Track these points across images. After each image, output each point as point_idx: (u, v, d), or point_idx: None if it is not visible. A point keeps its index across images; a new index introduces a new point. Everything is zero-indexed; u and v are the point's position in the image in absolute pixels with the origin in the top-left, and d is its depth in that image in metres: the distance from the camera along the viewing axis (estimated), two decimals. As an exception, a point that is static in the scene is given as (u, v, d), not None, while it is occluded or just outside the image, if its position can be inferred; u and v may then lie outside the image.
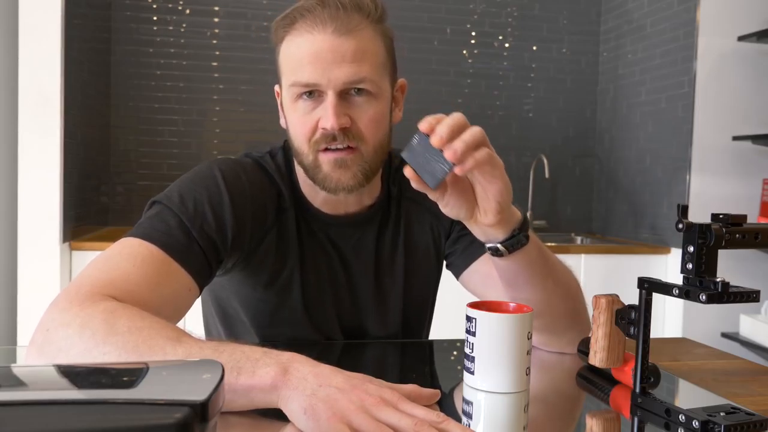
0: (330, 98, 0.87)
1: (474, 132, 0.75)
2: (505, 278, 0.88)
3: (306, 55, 0.87)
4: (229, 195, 0.91)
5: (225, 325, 1.06)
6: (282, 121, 0.98)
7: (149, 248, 0.83)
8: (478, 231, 0.83)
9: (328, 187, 0.92)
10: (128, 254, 0.82)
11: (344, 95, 0.89)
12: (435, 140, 0.73)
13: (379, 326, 1.04)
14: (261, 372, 0.64)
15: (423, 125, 0.74)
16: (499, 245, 0.82)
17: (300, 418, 0.62)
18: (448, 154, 0.72)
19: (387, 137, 0.96)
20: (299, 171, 0.99)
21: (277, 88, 0.99)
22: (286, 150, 1.01)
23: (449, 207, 0.80)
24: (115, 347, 0.67)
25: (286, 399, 0.63)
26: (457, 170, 0.73)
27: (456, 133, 0.73)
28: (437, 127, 0.73)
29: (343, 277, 1.01)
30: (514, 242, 0.82)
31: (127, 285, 0.78)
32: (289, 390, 0.63)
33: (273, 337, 1.00)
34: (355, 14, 0.88)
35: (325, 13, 0.87)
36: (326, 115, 0.87)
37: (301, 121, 0.90)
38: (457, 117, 0.75)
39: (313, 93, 0.89)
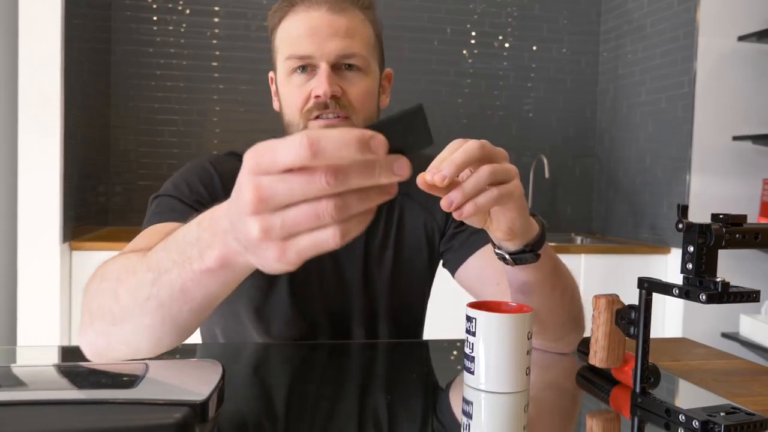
0: (323, 68, 0.94)
1: (479, 177, 0.67)
2: (514, 283, 0.87)
3: (303, 30, 0.95)
4: (219, 175, 0.98)
5: (220, 321, 1.06)
6: (275, 105, 1.04)
7: (160, 225, 0.89)
8: (491, 236, 0.81)
9: None
10: (141, 236, 0.87)
11: (336, 69, 0.95)
12: (432, 177, 0.66)
13: (367, 317, 1.04)
14: (207, 255, 0.57)
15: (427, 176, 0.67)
16: (507, 255, 0.80)
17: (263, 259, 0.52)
18: (444, 204, 0.66)
19: (376, 114, 1.01)
20: None
21: (271, 74, 1.05)
22: None
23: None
24: (109, 286, 0.69)
25: (251, 258, 0.53)
26: (456, 216, 0.68)
27: (455, 165, 0.66)
28: (442, 166, 0.67)
29: (330, 265, 1.02)
30: (522, 258, 0.80)
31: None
32: (244, 254, 0.53)
33: (263, 323, 1.01)
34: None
35: None
36: (319, 84, 0.94)
37: (294, 93, 0.96)
38: (461, 156, 0.67)
39: (306, 68, 0.95)
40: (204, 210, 0.87)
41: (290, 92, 0.97)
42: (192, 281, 0.61)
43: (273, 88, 1.05)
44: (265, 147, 0.46)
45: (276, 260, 0.49)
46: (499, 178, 0.69)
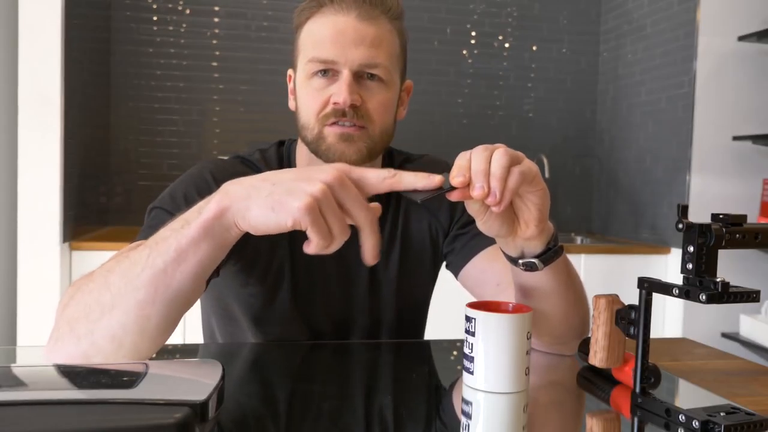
0: (345, 76, 0.92)
1: (499, 159, 0.69)
2: (526, 290, 0.85)
3: (329, 34, 0.92)
4: (217, 187, 0.94)
5: (220, 325, 1.06)
6: (291, 104, 1.02)
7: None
8: (513, 247, 0.80)
9: (331, 159, 0.94)
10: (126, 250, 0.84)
11: (357, 78, 0.93)
12: (477, 193, 0.68)
13: (372, 320, 1.04)
14: (205, 209, 0.67)
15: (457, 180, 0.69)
16: (535, 261, 0.79)
17: (269, 217, 0.64)
18: (490, 201, 0.69)
19: (392, 126, 0.99)
20: (300, 157, 1.02)
21: (290, 72, 1.03)
22: (280, 146, 1.06)
23: (489, 224, 0.76)
24: (97, 282, 0.72)
25: (243, 212, 0.65)
26: (495, 210, 0.70)
27: (486, 173, 0.69)
28: (473, 178, 0.69)
29: (335, 268, 1.01)
30: (550, 255, 0.80)
31: None
32: (240, 202, 0.66)
33: (266, 332, 1.00)
34: (377, 7, 0.94)
35: (351, 0, 0.93)
36: (339, 91, 0.92)
37: (313, 96, 0.94)
38: (478, 158, 0.70)
39: (327, 72, 0.93)
40: None
41: (309, 95, 0.95)
42: (187, 239, 0.67)
43: (290, 86, 1.03)
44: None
45: (299, 208, 0.62)
46: (515, 160, 0.71)
